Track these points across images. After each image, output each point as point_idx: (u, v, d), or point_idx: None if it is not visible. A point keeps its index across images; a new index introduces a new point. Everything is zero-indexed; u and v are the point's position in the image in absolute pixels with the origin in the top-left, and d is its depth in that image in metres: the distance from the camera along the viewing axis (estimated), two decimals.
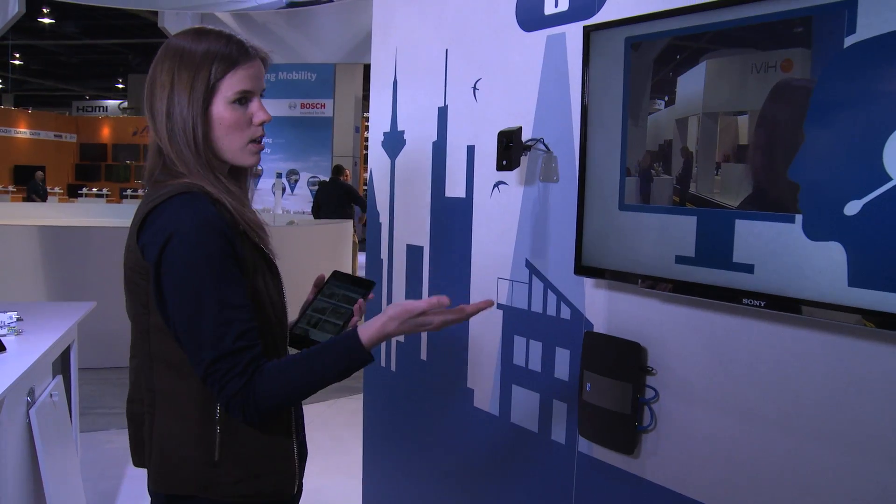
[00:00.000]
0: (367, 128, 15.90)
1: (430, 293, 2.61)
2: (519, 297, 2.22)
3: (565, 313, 2.07)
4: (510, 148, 1.99)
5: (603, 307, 1.96)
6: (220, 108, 1.33)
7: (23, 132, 18.09)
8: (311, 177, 13.42)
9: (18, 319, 3.25)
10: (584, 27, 1.84)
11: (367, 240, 2.95)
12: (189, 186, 1.30)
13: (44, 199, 14.81)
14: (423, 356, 2.66)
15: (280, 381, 1.26)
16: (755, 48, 1.47)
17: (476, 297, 2.40)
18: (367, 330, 1.31)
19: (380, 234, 2.88)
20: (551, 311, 2.11)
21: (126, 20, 14.08)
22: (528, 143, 2.07)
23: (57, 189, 17.41)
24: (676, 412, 1.78)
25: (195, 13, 11.22)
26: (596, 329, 1.98)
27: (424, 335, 2.65)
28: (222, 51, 1.33)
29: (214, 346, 1.23)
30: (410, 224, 2.70)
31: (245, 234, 1.33)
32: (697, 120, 1.59)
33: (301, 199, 13.51)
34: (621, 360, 1.86)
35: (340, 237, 7.93)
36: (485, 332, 2.36)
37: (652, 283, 1.70)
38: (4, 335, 3.09)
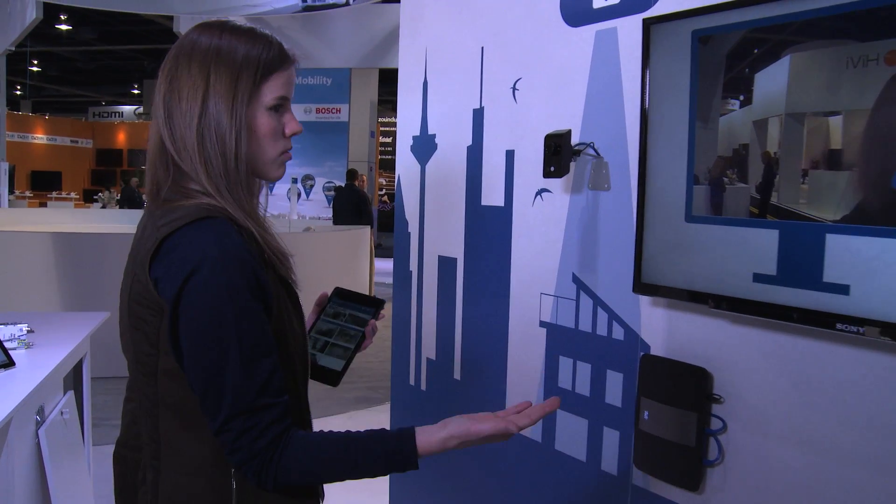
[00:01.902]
0: (382, 133, 15.82)
1: (465, 309, 2.44)
2: (565, 315, 2.04)
3: (618, 333, 1.89)
4: (559, 153, 1.83)
5: (661, 328, 1.78)
6: (258, 115, 1.19)
7: (40, 138, 18.10)
8: (327, 182, 13.33)
9: (29, 331, 3.13)
10: (644, 20, 1.67)
11: (395, 250, 2.79)
12: (210, 209, 1.14)
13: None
14: (457, 375, 2.49)
15: (310, 458, 1.11)
16: (851, 39, 1.29)
17: (516, 313, 2.23)
18: (427, 439, 1.17)
19: (409, 245, 2.71)
20: (602, 330, 1.94)
21: (141, 26, 14.05)
22: (577, 148, 1.90)
23: (73, 194, 17.39)
24: (747, 445, 1.60)
25: (210, 17, 11.11)
26: (653, 351, 1.80)
27: (458, 352, 2.48)
28: (266, 54, 1.19)
29: (235, 400, 1.08)
30: (443, 234, 2.54)
31: (271, 265, 1.19)
32: (780, 121, 1.41)
33: (316, 205, 13.42)
34: (684, 387, 1.68)
35: (358, 243, 7.78)
36: (526, 352, 2.19)
37: (725, 304, 1.53)
38: (14, 349, 2.96)
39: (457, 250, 2.46)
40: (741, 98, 1.48)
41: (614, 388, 1.92)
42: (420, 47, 2.61)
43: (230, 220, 1.14)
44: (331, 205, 11.20)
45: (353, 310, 1.39)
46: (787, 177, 1.40)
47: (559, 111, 2.03)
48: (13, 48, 12.09)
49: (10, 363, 2.67)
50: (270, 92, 1.19)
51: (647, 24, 1.65)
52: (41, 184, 17.58)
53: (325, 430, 1.17)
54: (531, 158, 2.13)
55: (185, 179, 1.17)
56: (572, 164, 1.94)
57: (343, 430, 1.19)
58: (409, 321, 2.70)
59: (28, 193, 15.64)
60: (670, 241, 1.63)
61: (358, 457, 1.13)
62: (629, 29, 1.82)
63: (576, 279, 2.00)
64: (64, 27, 14.55)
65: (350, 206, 9.42)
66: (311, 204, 13.53)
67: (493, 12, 2.28)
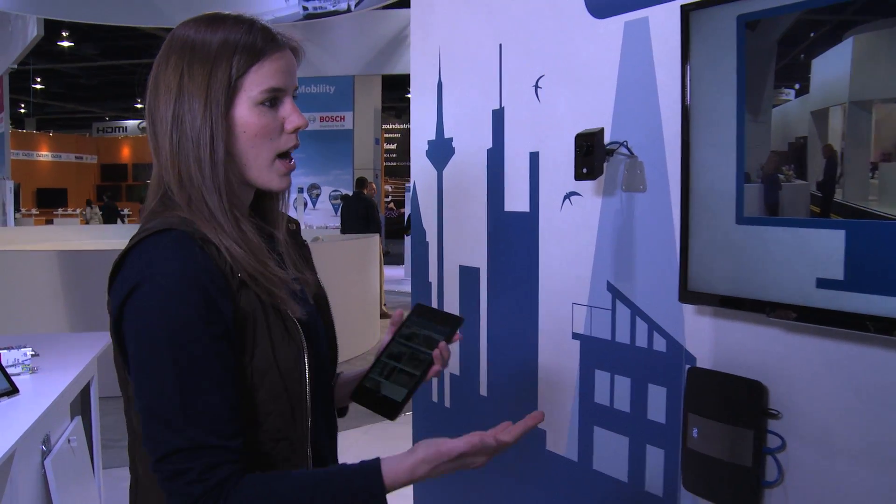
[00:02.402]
0: (386, 139, 15.71)
1: (490, 321, 2.31)
2: (600, 326, 1.91)
3: (659, 345, 1.76)
4: (591, 153, 1.70)
5: (708, 338, 1.65)
6: (244, 112, 1.05)
7: (45, 155, 18.09)
8: (333, 191, 13.23)
9: (34, 355, 3.02)
10: (682, 7, 1.54)
11: (412, 260, 2.67)
12: (174, 223, 1.01)
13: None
14: (483, 391, 2.36)
15: None
16: None
17: (546, 325, 2.10)
18: (393, 470, 1.02)
19: (427, 255, 2.59)
20: (641, 341, 1.81)
21: (143, 40, 13.98)
22: (610, 148, 1.78)
23: (78, 211, 17.34)
24: (809, 464, 1.47)
25: None
26: (700, 364, 1.67)
27: (484, 367, 2.35)
28: (244, 39, 1.04)
29: (170, 437, 0.94)
30: (463, 243, 2.41)
31: (249, 286, 1.04)
32: (843, 111, 1.28)
33: (323, 214, 13.31)
34: (737, 402, 1.55)
35: (367, 251, 7.66)
36: (558, 365, 2.06)
37: (785, 312, 1.39)
38: (18, 374, 2.86)
39: (479, 259, 2.33)
40: (796, 87, 1.36)
41: (657, 403, 1.79)
42: (433, 47, 2.49)
43: (193, 235, 1.00)
44: (338, 213, 11.09)
45: (428, 329, 1.22)
46: (854, 171, 1.27)
47: (587, 109, 1.91)
48: (15, 66, 12.04)
49: (13, 390, 2.56)
50: (256, 84, 1.04)
51: (686, 12, 1.52)
52: (47, 201, 17.53)
53: (291, 469, 1.06)
54: (558, 160, 2.01)
55: (171, 192, 1.06)
56: (605, 166, 1.82)
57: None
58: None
59: (34, 211, 15.62)
60: (719, 245, 1.50)
61: (318, 499, 0.99)
62: (662, 18, 1.70)
63: (611, 288, 1.87)
64: (66, 44, 14.51)
65: (358, 214, 9.29)
66: (318, 213, 13.43)
67: (512, 7, 2.15)
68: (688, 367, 1.67)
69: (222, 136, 1.03)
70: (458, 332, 1.21)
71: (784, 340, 1.49)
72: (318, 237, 8.73)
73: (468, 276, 2.39)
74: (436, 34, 2.48)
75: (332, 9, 9.51)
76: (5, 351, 2.93)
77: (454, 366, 2.47)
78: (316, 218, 13.28)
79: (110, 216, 16.35)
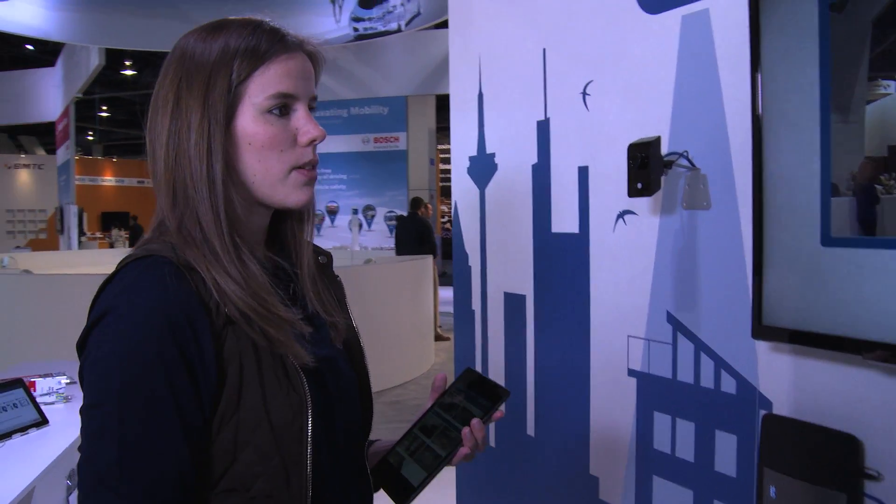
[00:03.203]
0: (441, 159, 15.61)
1: (537, 353, 2.09)
2: (659, 362, 1.68)
3: (728, 386, 1.52)
4: (647, 166, 1.48)
5: (787, 380, 1.40)
6: (248, 122, 0.92)
7: (109, 180, 18.58)
8: (388, 212, 13.18)
9: (70, 383, 2.93)
10: None
11: (454, 286, 2.47)
12: (153, 248, 0.90)
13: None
14: (531, 431, 2.14)
15: None
16: None
17: (598, 359, 1.87)
18: None
19: (469, 280, 2.39)
20: (707, 381, 1.57)
21: None
22: (668, 160, 1.55)
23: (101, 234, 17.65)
24: None
25: None
26: (776, 410, 1.42)
27: (531, 404, 2.13)
28: (246, 42, 0.92)
29: (99, 498, 0.81)
30: (508, 267, 2.20)
31: (244, 325, 0.89)
32: None
33: (378, 235, 13.27)
34: (826, 458, 1.30)
35: (421, 273, 7.49)
36: (612, 406, 1.83)
37: (884, 354, 1.14)
38: (51, 403, 2.77)
39: (525, 286, 2.12)
40: None
41: (726, 453, 1.54)
42: (472, 56, 2.30)
43: (173, 262, 0.88)
44: (393, 235, 11.01)
45: (470, 401, 1.06)
46: None
47: (641, 117, 1.69)
48: (81, 95, 12.37)
49: (42, 421, 2.47)
50: (262, 89, 0.92)
51: None
52: (111, 224, 17.96)
53: None
54: (609, 175, 1.79)
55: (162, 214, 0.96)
56: (662, 179, 1.59)
57: None
58: (472, 367, 2.37)
59: (98, 234, 15.99)
60: (801, 271, 1.26)
61: None
62: (726, 7, 1.47)
63: (671, 319, 1.64)
64: (129, 73, 14.90)
65: (412, 235, 9.16)
66: (373, 234, 13.39)
67: (556, 7, 1.95)
68: (763, 413, 1.43)
69: (221, 150, 0.91)
70: (502, 407, 1.04)
71: (883, 387, 1.24)
72: (371, 259, 8.63)
73: (513, 303, 2.18)
74: (475, 42, 2.29)
75: (383, 29, 9.50)
76: (40, 379, 2.85)
77: None
78: (371, 239, 13.24)
79: (137, 239, 16.36)
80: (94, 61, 10.67)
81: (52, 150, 16.27)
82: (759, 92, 1.31)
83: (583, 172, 1.88)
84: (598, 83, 1.82)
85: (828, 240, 1.21)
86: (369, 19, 10.22)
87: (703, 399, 1.57)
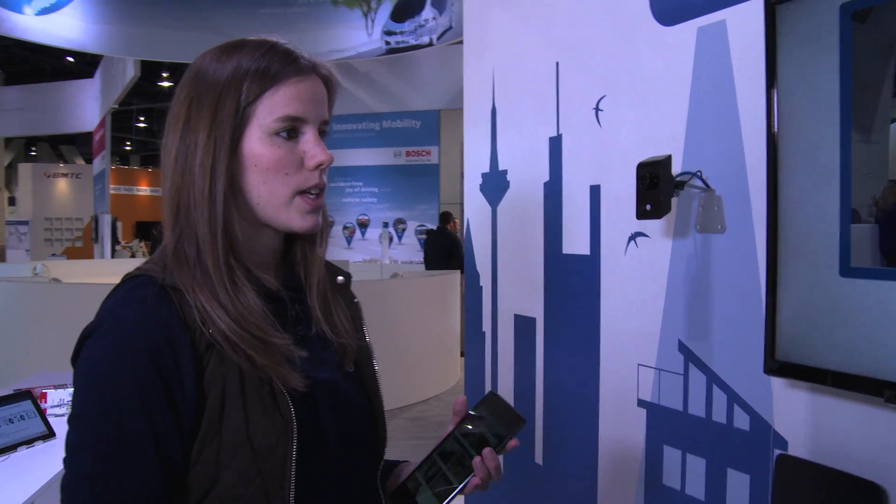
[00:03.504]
0: None
1: (546, 378, 2.01)
2: (670, 394, 1.59)
3: (741, 422, 1.42)
4: (656, 186, 1.39)
5: (804, 419, 1.30)
6: (254, 143, 0.92)
7: (144, 189, 18.81)
8: (419, 225, 13.14)
9: None
10: (768, 2, 1.23)
11: (465, 307, 2.39)
12: (146, 267, 0.93)
13: None
14: (539, 459, 2.05)
15: None
16: None
17: (607, 388, 1.78)
18: None
19: (480, 301, 2.31)
20: (719, 416, 1.47)
21: None
22: (680, 179, 1.47)
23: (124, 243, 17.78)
24: None
25: None
26: (792, 450, 1.32)
27: (540, 431, 2.04)
28: (257, 64, 0.91)
29: (81, 498, 0.82)
30: (519, 289, 2.12)
31: (227, 348, 0.88)
32: None
33: (409, 249, 13.23)
34: None
35: (447, 288, 7.41)
36: (621, 437, 1.73)
37: None
38: (62, 415, 2.73)
39: (535, 308, 2.04)
40: None
41: (738, 493, 1.44)
42: (486, 70, 2.23)
43: (161, 282, 0.89)
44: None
45: (487, 427, 1.02)
46: None
47: (654, 134, 1.61)
48: (117, 106, 12.55)
49: (49, 434, 2.43)
50: (270, 112, 0.91)
51: (772, 6, 1.21)
52: (145, 233, 18.18)
53: None
54: (621, 195, 1.70)
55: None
56: (674, 201, 1.50)
57: None
58: (482, 391, 2.29)
59: (132, 244, 16.20)
60: (818, 303, 1.16)
61: None
62: (743, 19, 1.39)
63: (683, 348, 1.54)
64: (166, 84, 15.11)
65: (441, 249, 9.09)
66: (404, 248, 13.36)
67: (569, 20, 1.88)
68: (777, 453, 1.33)
69: (225, 170, 0.91)
70: (515, 437, 1.01)
71: None
72: (398, 273, 8.58)
73: (523, 326, 2.09)
74: (490, 55, 2.22)
75: (414, 43, 9.48)
76: (52, 390, 2.82)
77: None
78: (402, 253, 13.20)
79: (155, 250, 16.36)
80: (130, 73, 10.82)
81: (90, 160, 16.56)
82: (775, 108, 1.22)
83: (594, 191, 1.80)
84: (611, 98, 1.74)
85: (847, 270, 1.11)
86: (401, 33, 10.21)
87: (715, 434, 1.48)
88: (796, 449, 1.31)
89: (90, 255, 13.77)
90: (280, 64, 0.92)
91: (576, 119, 1.86)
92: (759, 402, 1.38)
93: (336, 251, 12.30)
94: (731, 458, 1.45)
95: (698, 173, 1.46)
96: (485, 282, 2.29)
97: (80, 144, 19.31)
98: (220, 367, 0.88)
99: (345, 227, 13.36)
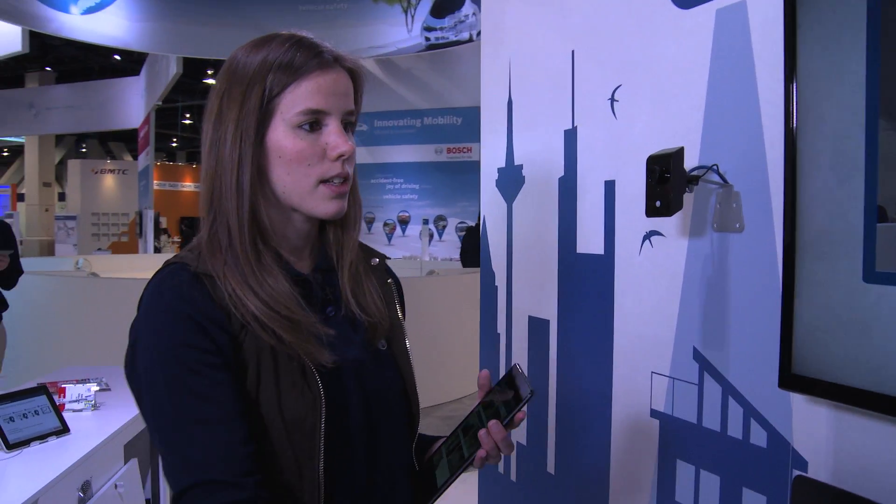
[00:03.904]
0: None
1: (559, 383, 1.90)
2: (683, 405, 1.47)
3: (758, 438, 1.31)
4: (666, 181, 1.28)
5: (825, 438, 1.18)
6: (279, 136, 0.97)
7: (188, 185, 19.06)
8: (459, 222, 13.07)
9: (102, 390, 2.89)
10: None
11: (481, 308, 2.30)
12: (182, 255, 1.00)
13: None
14: (551, 468, 1.95)
15: None
16: None
17: (620, 395, 1.67)
18: None
19: (495, 302, 2.22)
20: (735, 431, 1.35)
21: None
22: (695, 174, 1.35)
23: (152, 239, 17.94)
24: None
25: None
26: (812, 471, 1.20)
27: (552, 438, 1.94)
28: (282, 58, 0.96)
29: (178, 474, 0.90)
30: (533, 289, 2.02)
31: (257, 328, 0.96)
32: None
33: (449, 246, 13.17)
34: None
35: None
36: (633, 449, 1.63)
37: None
38: (80, 410, 2.73)
39: (549, 310, 1.94)
40: None
41: None
42: (503, 60, 2.13)
43: (193, 268, 0.96)
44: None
45: (503, 401, 1.03)
46: None
47: (670, 124, 1.49)
48: (161, 103, 12.72)
49: (63, 430, 2.42)
50: (292, 105, 0.96)
51: None
52: (189, 229, 18.42)
53: None
54: (636, 191, 1.60)
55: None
56: (689, 197, 1.39)
57: None
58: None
59: (177, 239, 16.41)
60: (839, 311, 1.04)
61: None
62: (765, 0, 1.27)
63: (698, 356, 1.43)
64: (210, 81, 15.29)
65: (478, 246, 9.01)
66: (444, 245, 13.30)
67: (586, 5, 1.77)
68: (796, 474, 1.21)
69: (250, 161, 0.97)
70: (524, 408, 1.01)
71: None
72: (434, 271, 8.51)
73: (537, 329, 2.00)
74: (506, 45, 2.12)
75: (454, 39, 9.40)
76: (70, 386, 2.81)
77: (521, 434, 2.07)
78: (442, 250, 13.15)
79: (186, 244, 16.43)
80: (173, 70, 10.95)
81: (136, 157, 16.84)
82: (794, 95, 1.10)
83: (609, 187, 1.69)
84: (627, 88, 1.63)
85: (871, 275, 1.00)
86: (441, 29, 10.14)
87: (730, 450, 1.36)
88: (816, 470, 1.19)
89: (135, 250, 14.00)
90: (304, 57, 0.96)
91: (591, 110, 1.75)
92: (777, 417, 1.26)
93: (376, 247, 12.24)
94: (746, 476, 1.33)
95: (715, 167, 1.35)
96: (500, 281, 2.19)
97: (128, 141, 19.67)
98: (255, 346, 0.94)
99: (385, 224, 13.35)
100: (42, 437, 2.32)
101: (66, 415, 2.49)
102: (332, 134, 0.98)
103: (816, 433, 1.19)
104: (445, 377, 6.28)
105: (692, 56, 1.43)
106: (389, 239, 13.30)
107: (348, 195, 1.03)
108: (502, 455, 1.04)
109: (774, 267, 1.26)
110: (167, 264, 0.98)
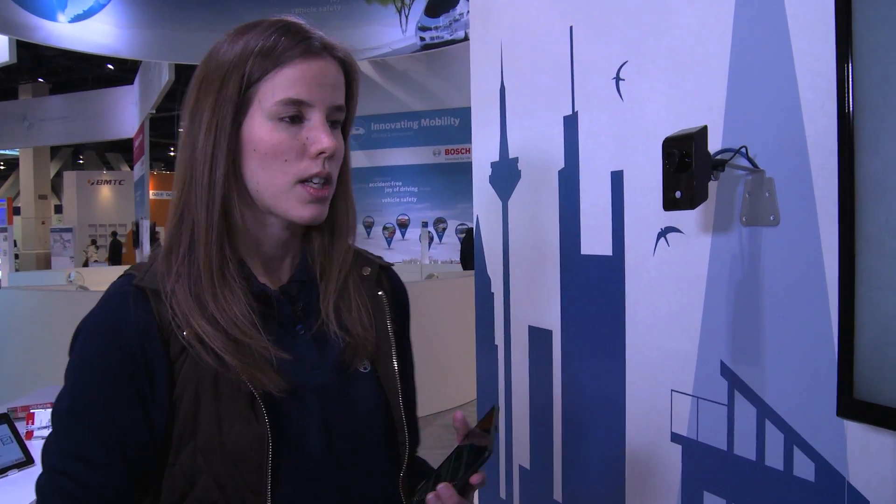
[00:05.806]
0: None
1: (565, 403, 1.70)
2: (710, 428, 1.27)
3: (805, 470, 1.10)
4: (687, 166, 1.08)
5: (890, 472, 0.98)
6: (255, 126, 0.89)
7: None
8: (459, 224, 12.93)
9: None
10: None
11: (476, 317, 2.10)
12: (136, 266, 0.94)
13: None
14: (557, 495, 1.74)
15: None
16: None
17: (634, 416, 1.46)
18: None
19: (492, 310, 2.01)
20: (775, 460, 1.15)
21: None
22: (720, 158, 1.15)
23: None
24: None
25: None
26: None
27: (559, 463, 1.73)
28: (263, 43, 0.88)
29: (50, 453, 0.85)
30: (533, 297, 1.82)
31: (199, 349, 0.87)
32: None
33: (450, 248, 13.04)
34: None
35: None
36: (652, 477, 1.42)
37: None
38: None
39: (552, 319, 1.73)
40: None
41: None
42: (494, 43, 1.93)
43: (139, 283, 0.89)
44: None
45: (469, 453, 0.91)
46: None
47: (687, 104, 1.29)
48: (154, 111, 12.58)
49: (27, 462, 2.24)
50: (272, 93, 0.88)
51: None
52: None
53: None
54: (649, 181, 1.39)
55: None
56: (713, 185, 1.19)
57: None
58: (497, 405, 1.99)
59: None
60: None
61: None
62: None
63: (727, 372, 1.22)
64: None
65: None
66: (444, 248, 13.16)
67: None
68: None
69: (225, 153, 0.89)
70: (481, 470, 0.87)
71: None
72: (433, 275, 8.33)
73: (539, 340, 1.79)
74: (497, 26, 1.92)
75: (449, 38, 9.24)
76: (40, 410, 2.62)
77: (523, 456, 1.87)
78: (442, 252, 13.01)
79: (116, 257, 15.58)
80: (165, 77, 10.84)
81: (133, 167, 16.71)
82: (850, 66, 0.90)
83: (616, 178, 1.48)
84: (635, 64, 1.42)
85: None
86: (436, 28, 9.98)
87: (770, 484, 1.15)
88: None
89: (132, 261, 13.86)
90: (288, 43, 0.88)
91: (593, 92, 1.55)
92: (827, 446, 1.06)
93: (376, 252, 12.14)
94: None
95: (743, 150, 1.14)
96: (496, 287, 1.99)
97: (125, 151, 19.53)
98: (195, 370, 0.87)
99: (384, 228, 13.20)
100: (2, 471, 2.14)
101: (33, 443, 2.31)
102: (314, 129, 0.90)
103: (879, 466, 0.99)
104: (447, 383, 6.10)
105: (711, 21, 1.23)
106: (389, 243, 13.16)
107: (333, 200, 0.95)
108: None
109: (819, 267, 1.05)
110: (121, 275, 0.93)
